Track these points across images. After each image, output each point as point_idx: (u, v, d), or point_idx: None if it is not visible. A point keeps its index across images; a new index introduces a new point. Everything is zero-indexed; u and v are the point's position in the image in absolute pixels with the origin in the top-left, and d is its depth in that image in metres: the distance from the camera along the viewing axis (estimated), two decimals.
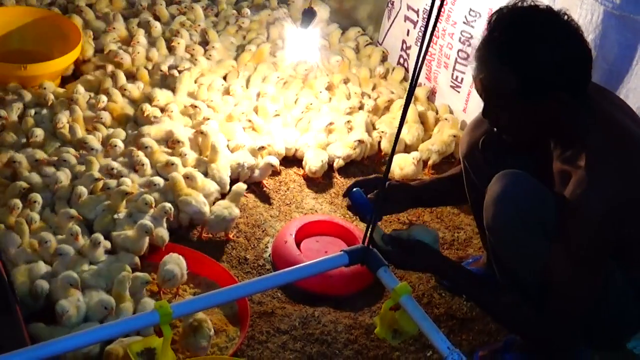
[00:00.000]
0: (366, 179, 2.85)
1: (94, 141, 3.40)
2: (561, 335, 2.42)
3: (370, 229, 2.46)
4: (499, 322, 2.83)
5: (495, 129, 2.47)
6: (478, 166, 2.72)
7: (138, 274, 2.85)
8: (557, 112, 2.31)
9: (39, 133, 3.41)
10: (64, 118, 3.50)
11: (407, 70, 4.35)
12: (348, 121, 3.82)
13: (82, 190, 3.09)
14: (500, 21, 2.30)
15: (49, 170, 3.20)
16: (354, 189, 2.68)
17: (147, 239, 2.99)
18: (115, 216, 3.05)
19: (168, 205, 3.09)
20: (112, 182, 3.20)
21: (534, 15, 2.29)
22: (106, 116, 3.61)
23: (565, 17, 2.29)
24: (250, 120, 3.75)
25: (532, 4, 2.31)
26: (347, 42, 4.59)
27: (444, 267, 2.61)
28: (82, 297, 2.74)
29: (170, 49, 4.19)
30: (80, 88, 3.76)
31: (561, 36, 2.25)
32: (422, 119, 3.98)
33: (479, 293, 2.57)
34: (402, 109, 2.28)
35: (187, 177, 3.26)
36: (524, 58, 2.24)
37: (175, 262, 2.89)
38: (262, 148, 3.57)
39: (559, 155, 2.43)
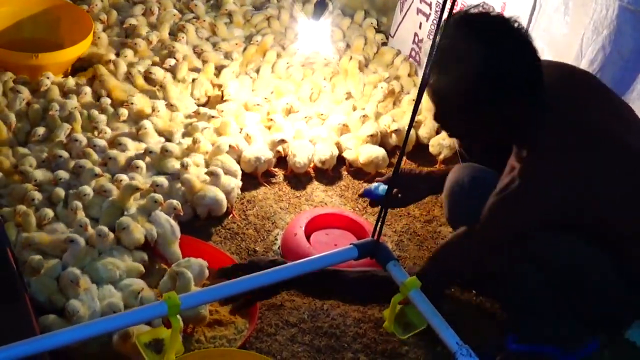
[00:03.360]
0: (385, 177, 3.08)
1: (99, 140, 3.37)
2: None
3: (380, 222, 2.45)
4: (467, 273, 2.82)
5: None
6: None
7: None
8: (509, 116, 2.37)
9: (41, 132, 3.37)
10: (56, 105, 3.47)
11: (418, 63, 4.33)
12: (364, 115, 3.80)
13: (86, 189, 3.06)
14: (451, 28, 2.31)
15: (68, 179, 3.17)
16: (378, 185, 2.77)
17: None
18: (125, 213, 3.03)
19: (174, 201, 3.07)
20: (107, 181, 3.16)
21: (484, 22, 2.34)
22: (107, 103, 3.62)
23: (516, 24, 2.34)
24: (272, 120, 3.72)
25: (483, 11, 2.37)
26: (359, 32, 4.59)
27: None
28: (96, 290, 2.74)
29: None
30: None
31: (510, 43, 2.30)
32: None
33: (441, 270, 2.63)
34: (413, 103, 2.29)
35: (212, 174, 3.26)
36: (474, 65, 2.27)
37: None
38: (282, 141, 3.56)
39: (515, 154, 2.50)
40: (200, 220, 3.26)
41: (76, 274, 2.70)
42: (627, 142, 2.42)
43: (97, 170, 3.14)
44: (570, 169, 2.34)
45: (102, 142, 3.34)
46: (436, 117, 2.46)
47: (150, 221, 2.99)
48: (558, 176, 2.34)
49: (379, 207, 2.63)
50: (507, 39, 2.31)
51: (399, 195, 3.03)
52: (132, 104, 3.58)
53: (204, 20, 4.39)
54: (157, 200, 3.04)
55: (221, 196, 3.22)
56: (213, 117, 3.60)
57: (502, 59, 2.27)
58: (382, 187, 3.02)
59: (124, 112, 3.52)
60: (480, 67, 2.27)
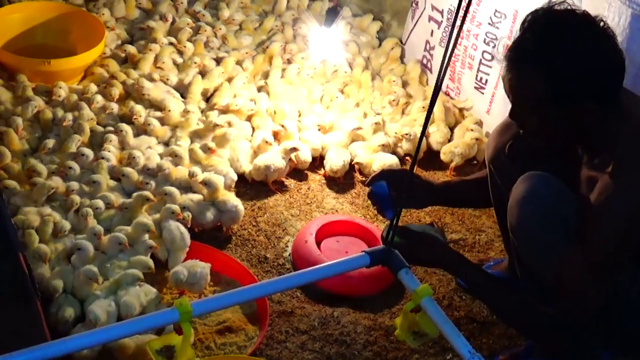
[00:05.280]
0: (392, 171, 2.86)
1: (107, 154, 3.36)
2: (571, 336, 2.41)
3: (391, 230, 2.44)
4: (506, 321, 2.80)
5: (521, 132, 2.45)
6: (504, 170, 2.70)
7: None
8: (586, 120, 2.28)
9: (51, 144, 3.37)
10: (69, 115, 3.50)
11: (430, 71, 4.33)
12: (376, 122, 3.80)
13: (99, 203, 3.07)
14: (534, 23, 2.26)
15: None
16: (379, 182, 2.66)
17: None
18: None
19: (174, 206, 3.07)
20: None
21: (569, 20, 2.24)
22: (115, 107, 3.63)
23: (602, 23, 2.24)
24: (283, 126, 3.71)
25: (569, 7, 2.27)
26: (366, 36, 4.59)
27: (449, 260, 2.59)
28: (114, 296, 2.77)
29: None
30: (92, 86, 3.76)
31: (595, 44, 2.21)
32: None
33: (488, 288, 2.55)
34: (425, 110, 2.26)
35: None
36: (555, 64, 2.20)
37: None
38: (293, 149, 3.56)
39: (587, 162, 2.40)
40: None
41: (94, 271, 2.75)
42: None
43: (112, 198, 3.13)
44: None
45: (111, 156, 3.35)
46: (512, 114, 2.39)
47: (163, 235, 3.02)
48: None
49: (388, 216, 2.63)
50: (593, 38, 2.22)
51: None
52: (169, 110, 3.64)
53: (220, 29, 4.38)
54: (174, 212, 3.04)
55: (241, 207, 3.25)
56: (217, 125, 3.58)
57: (586, 58, 2.19)
58: (381, 185, 2.79)
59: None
60: (565, 66, 2.19)
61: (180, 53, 4.12)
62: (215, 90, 3.91)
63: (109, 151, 3.36)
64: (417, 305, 2.37)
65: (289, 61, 4.24)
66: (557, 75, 2.21)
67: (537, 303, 2.43)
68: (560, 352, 2.61)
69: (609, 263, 2.29)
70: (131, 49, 4.07)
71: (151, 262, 2.89)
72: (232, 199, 3.23)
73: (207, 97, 3.91)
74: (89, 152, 3.33)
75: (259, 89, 4.00)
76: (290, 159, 3.55)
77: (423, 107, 3.93)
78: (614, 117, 2.29)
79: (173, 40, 4.18)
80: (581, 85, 2.21)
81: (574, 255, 2.30)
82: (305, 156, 3.63)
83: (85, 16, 4.17)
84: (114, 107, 3.63)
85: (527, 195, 2.40)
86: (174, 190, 3.18)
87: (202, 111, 3.78)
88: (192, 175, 3.25)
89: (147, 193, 3.11)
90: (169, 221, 3.02)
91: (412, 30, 4.44)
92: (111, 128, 3.50)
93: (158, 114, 3.67)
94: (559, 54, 2.20)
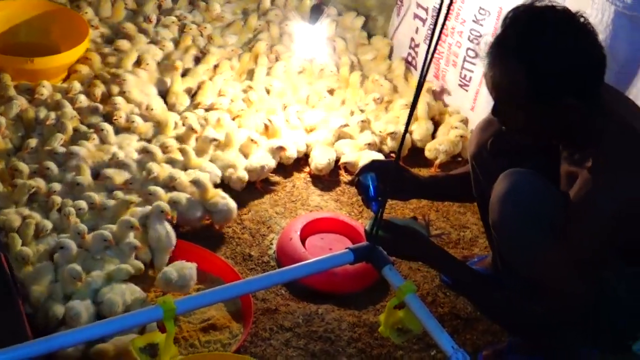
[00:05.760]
0: (382, 162, 2.87)
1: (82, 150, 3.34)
2: (555, 333, 2.42)
3: (375, 227, 2.45)
4: (489, 317, 2.82)
5: (503, 128, 2.45)
6: (486, 166, 2.71)
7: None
8: (568, 116, 2.27)
9: (33, 144, 3.34)
10: (52, 114, 3.48)
11: (415, 68, 4.33)
12: (363, 121, 3.81)
13: (82, 204, 3.05)
14: (515, 20, 2.26)
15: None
16: (368, 173, 2.66)
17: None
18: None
19: (162, 203, 3.05)
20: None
21: (549, 17, 2.24)
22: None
23: (582, 19, 2.24)
24: (270, 120, 3.71)
25: (549, 4, 2.27)
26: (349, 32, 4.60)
27: (433, 255, 2.60)
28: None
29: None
30: (77, 85, 3.74)
31: (575, 40, 2.21)
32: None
33: (471, 284, 2.56)
34: (407, 107, 2.25)
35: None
36: (535, 60, 2.20)
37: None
38: (280, 148, 3.56)
39: (567, 157, 2.41)
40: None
41: (78, 270, 2.74)
42: None
43: (96, 199, 3.10)
44: None
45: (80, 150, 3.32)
46: (494, 111, 2.39)
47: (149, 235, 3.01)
48: (634, 182, 2.23)
49: (373, 208, 2.63)
50: (573, 34, 2.21)
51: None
52: (152, 109, 3.64)
53: (205, 27, 4.37)
54: (164, 210, 3.02)
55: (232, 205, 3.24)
56: (215, 139, 3.54)
57: (566, 54, 2.19)
58: (372, 176, 2.75)
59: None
60: (545, 62, 2.19)
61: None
62: (198, 89, 3.90)
63: (83, 146, 3.34)
64: (401, 301, 2.38)
65: (276, 59, 4.23)
66: (537, 72, 2.20)
67: (522, 300, 2.44)
68: (546, 350, 2.62)
69: (594, 260, 2.29)
70: (119, 43, 4.06)
71: (141, 265, 2.88)
72: (221, 198, 3.22)
73: (192, 95, 3.90)
74: (62, 150, 3.31)
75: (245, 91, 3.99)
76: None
77: (405, 105, 3.93)
78: (596, 113, 2.29)
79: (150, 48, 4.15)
80: (561, 81, 2.21)
81: (558, 252, 2.30)
82: (291, 152, 3.63)
83: (69, 14, 4.15)
84: (98, 106, 3.62)
85: (508, 192, 2.40)
86: (158, 189, 3.16)
87: (183, 111, 3.77)
88: (172, 179, 3.23)
89: (130, 197, 3.11)
90: (156, 220, 3.01)
91: (397, 27, 4.45)
92: (92, 130, 3.48)
93: (137, 110, 3.66)
94: (539, 50, 2.20)
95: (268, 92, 3.98)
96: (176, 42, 4.22)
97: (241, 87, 3.98)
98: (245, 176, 3.42)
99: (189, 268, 2.89)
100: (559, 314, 2.36)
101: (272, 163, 3.52)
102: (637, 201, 2.21)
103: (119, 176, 3.23)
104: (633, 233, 2.27)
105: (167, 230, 3.00)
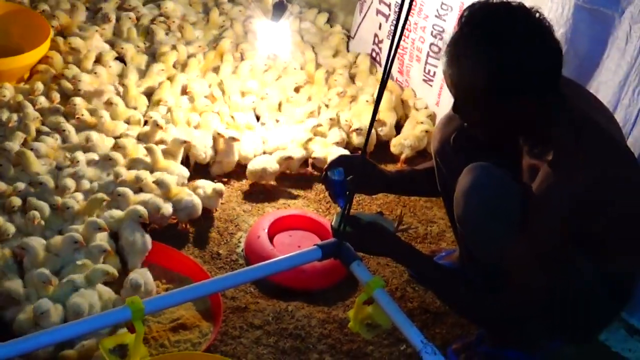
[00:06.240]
0: (349, 157, 2.87)
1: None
2: (519, 326, 2.45)
3: (342, 220, 2.46)
4: (455, 311, 2.84)
5: (465, 125, 2.47)
6: (449, 162, 2.73)
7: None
8: (526, 111, 2.29)
9: None
10: (14, 116, 3.45)
11: (380, 64, 4.35)
12: (331, 118, 3.83)
13: (43, 205, 3.01)
14: (470, 17, 2.28)
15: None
16: (335, 168, 2.66)
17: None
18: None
19: (139, 207, 3.02)
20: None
21: (504, 13, 2.26)
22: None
23: (537, 14, 2.26)
24: (232, 117, 3.71)
25: (505, 0, 2.28)
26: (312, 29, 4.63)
27: (399, 250, 2.61)
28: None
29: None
30: (40, 85, 3.71)
31: (531, 37, 2.22)
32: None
33: (437, 278, 2.57)
34: (371, 103, 2.26)
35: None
36: (492, 57, 2.21)
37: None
38: (232, 139, 3.53)
39: (528, 151, 2.43)
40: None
41: (47, 274, 2.70)
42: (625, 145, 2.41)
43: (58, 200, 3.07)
44: (601, 166, 2.25)
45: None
46: (455, 108, 2.41)
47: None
48: (593, 175, 2.23)
49: (340, 204, 2.64)
50: (529, 30, 2.22)
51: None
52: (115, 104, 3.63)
53: (173, 22, 4.38)
54: (142, 215, 3.00)
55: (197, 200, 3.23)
56: (186, 141, 3.50)
57: (523, 50, 2.20)
58: (339, 171, 2.75)
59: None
60: (502, 59, 2.20)
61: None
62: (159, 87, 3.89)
63: (43, 143, 3.32)
64: (369, 297, 2.39)
65: (241, 57, 4.23)
66: (494, 68, 2.22)
67: (487, 294, 2.46)
68: (510, 342, 2.65)
69: (556, 253, 2.32)
70: (77, 42, 4.03)
71: (113, 270, 2.83)
72: (186, 195, 3.20)
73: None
74: (12, 148, 3.27)
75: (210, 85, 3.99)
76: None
77: (367, 101, 3.94)
78: (556, 107, 2.31)
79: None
80: (518, 76, 2.22)
81: (519, 245, 2.33)
82: (247, 151, 3.62)
83: (30, 14, 4.11)
84: (59, 107, 3.60)
85: (471, 186, 2.42)
86: (127, 190, 3.14)
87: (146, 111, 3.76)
88: (138, 180, 3.21)
89: (103, 195, 3.08)
90: (132, 224, 2.98)
91: (360, 23, 4.46)
92: (50, 130, 3.46)
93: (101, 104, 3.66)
94: (495, 47, 2.21)
95: (243, 94, 3.97)
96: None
97: (214, 83, 4.00)
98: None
99: (146, 273, 2.87)
100: (522, 307, 2.38)
101: (276, 167, 3.54)
102: (597, 195, 2.24)
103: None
104: (594, 226, 2.29)
105: (142, 234, 2.98)
